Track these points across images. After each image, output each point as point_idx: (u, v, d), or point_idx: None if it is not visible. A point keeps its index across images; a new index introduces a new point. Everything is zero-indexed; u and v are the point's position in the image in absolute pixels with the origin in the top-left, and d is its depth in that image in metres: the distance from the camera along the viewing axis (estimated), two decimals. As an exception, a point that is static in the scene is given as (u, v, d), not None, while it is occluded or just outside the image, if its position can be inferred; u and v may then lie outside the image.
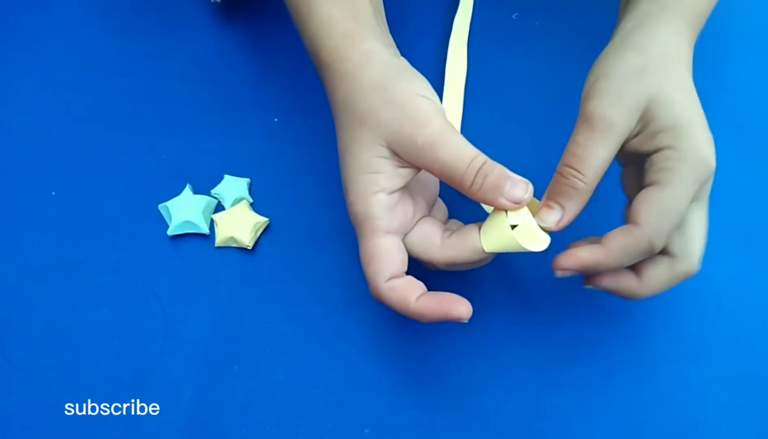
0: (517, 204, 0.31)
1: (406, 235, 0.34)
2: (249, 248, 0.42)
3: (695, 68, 0.35)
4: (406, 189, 0.34)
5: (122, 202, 0.44)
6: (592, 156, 0.31)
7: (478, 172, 0.31)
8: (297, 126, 0.46)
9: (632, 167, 0.35)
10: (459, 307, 0.31)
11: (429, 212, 0.36)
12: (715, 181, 0.37)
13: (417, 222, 0.34)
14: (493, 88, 0.47)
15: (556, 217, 0.32)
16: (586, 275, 0.35)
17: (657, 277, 0.33)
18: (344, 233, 0.42)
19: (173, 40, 0.49)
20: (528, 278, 0.41)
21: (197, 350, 0.39)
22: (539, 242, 0.32)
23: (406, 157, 0.31)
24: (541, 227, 0.33)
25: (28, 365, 0.39)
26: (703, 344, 0.39)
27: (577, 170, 0.31)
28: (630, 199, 0.33)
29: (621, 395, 0.38)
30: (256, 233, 0.42)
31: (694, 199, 0.32)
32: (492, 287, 0.41)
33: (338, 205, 0.43)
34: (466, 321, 0.31)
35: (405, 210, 0.33)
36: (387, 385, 0.39)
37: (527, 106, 0.47)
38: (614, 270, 0.33)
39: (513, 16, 0.50)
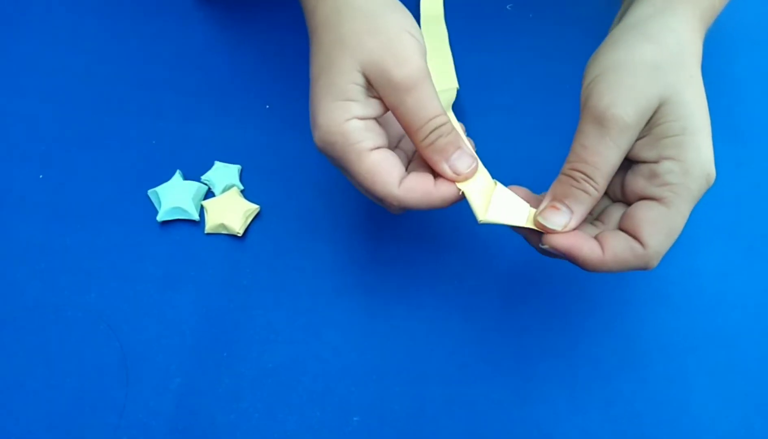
0: (456, 175, 0.31)
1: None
2: (239, 235, 0.41)
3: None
4: (377, 121, 0.32)
5: (111, 187, 0.43)
6: (604, 163, 0.29)
7: (434, 130, 0.30)
8: (288, 113, 0.46)
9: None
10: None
11: (396, 146, 0.35)
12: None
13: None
14: (486, 79, 0.47)
15: (563, 219, 0.30)
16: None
17: (619, 256, 0.30)
18: (335, 221, 0.42)
19: (165, 25, 0.49)
20: (517, 273, 0.41)
21: (186, 337, 0.39)
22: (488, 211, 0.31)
23: (378, 89, 0.30)
24: (540, 224, 0.31)
25: (12, 349, 0.39)
26: (689, 337, 0.40)
27: (588, 176, 0.30)
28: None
29: (608, 387, 0.39)
30: (246, 220, 0.42)
31: None
32: (481, 280, 0.41)
33: (329, 193, 0.43)
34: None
35: (381, 132, 0.32)
36: (376, 373, 0.39)
37: (521, 98, 0.47)
38: (577, 234, 0.31)
39: (507, 7, 0.50)
